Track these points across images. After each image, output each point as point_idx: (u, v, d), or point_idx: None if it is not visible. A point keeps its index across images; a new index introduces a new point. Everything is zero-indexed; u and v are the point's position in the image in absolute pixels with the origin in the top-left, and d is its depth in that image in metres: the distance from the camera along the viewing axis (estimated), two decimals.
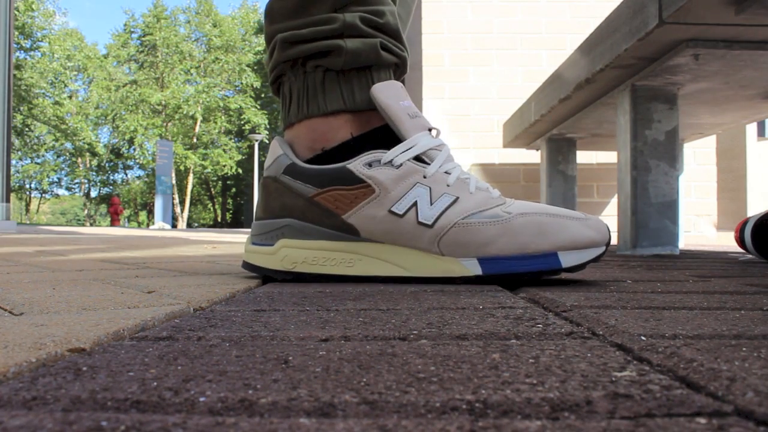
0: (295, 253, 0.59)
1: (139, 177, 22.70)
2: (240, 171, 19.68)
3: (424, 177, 0.56)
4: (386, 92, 0.59)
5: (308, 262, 0.58)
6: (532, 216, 0.55)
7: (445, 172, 0.57)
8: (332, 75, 0.61)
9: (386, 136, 0.60)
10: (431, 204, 0.56)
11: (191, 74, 19.91)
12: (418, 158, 0.57)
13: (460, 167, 0.58)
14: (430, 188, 0.56)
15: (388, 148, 0.57)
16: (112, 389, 0.20)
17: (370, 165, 0.56)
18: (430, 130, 0.59)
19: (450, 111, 2.49)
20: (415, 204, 0.56)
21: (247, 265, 0.63)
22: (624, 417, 0.17)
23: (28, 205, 23.07)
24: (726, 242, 2.27)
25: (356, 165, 0.56)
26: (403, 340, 0.29)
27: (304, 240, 0.59)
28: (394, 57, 0.64)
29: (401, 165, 0.56)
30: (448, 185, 0.56)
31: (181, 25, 20.82)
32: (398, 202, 0.56)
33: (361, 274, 0.58)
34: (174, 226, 14.30)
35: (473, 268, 0.55)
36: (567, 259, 0.54)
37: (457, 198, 0.56)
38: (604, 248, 0.56)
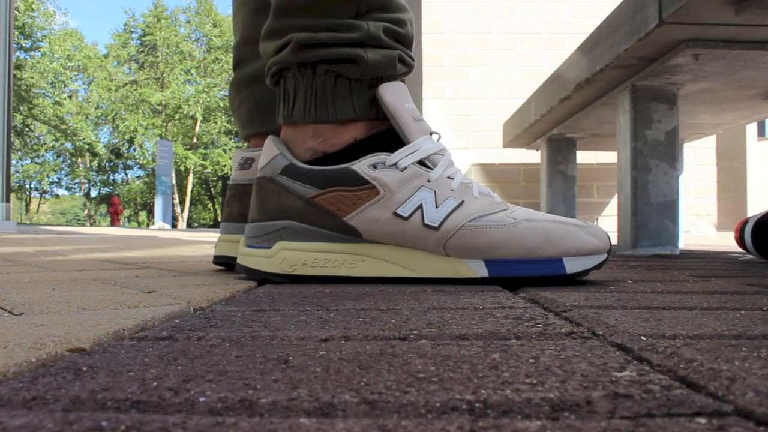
0: (294, 255, 0.58)
1: (139, 177, 22.70)
2: None
3: (429, 180, 0.56)
4: (393, 93, 0.58)
5: (308, 264, 0.57)
6: (538, 222, 0.56)
7: (448, 177, 0.57)
8: (344, 82, 0.60)
9: (387, 139, 0.60)
10: (437, 207, 0.56)
11: (191, 74, 19.91)
12: (421, 162, 0.57)
13: (461, 172, 0.59)
14: (434, 191, 0.56)
15: (390, 152, 0.57)
16: (112, 389, 0.20)
17: (374, 167, 0.56)
18: (431, 134, 0.59)
19: (450, 111, 2.49)
20: (420, 207, 0.56)
21: (243, 269, 0.61)
22: (624, 417, 0.17)
23: (28, 205, 23.07)
24: (726, 242, 2.27)
25: (361, 166, 0.56)
26: (403, 340, 0.29)
27: (304, 242, 0.58)
28: (406, 67, 0.63)
29: (406, 168, 0.56)
30: (452, 189, 0.57)
31: (182, 25, 20.82)
32: (403, 205, 0.56)
33: (364, 275, 0.57)
34: (174, 226, 14.29)
35: (479, 270, 0.56)
36: (571, 266, 0.55)
37: (463, 201, 0.56)
38: (606, 255, 0.57)
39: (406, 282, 0.57)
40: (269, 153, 0.61)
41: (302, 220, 0.58)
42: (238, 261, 0.62)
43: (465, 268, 0.56)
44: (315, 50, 0.59)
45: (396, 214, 0.56)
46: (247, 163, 0.72)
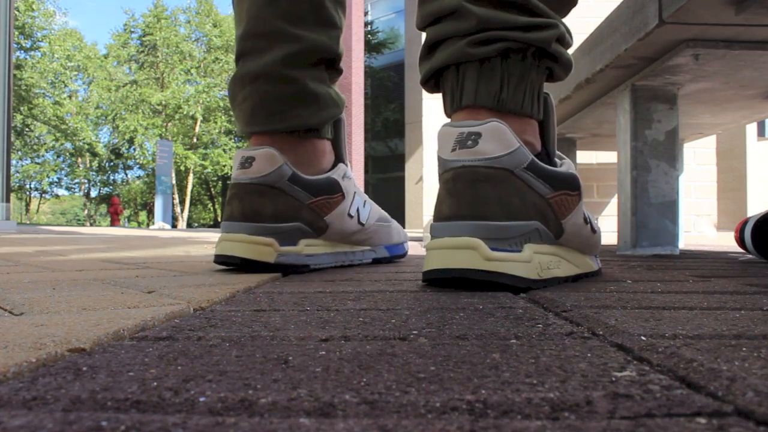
0: (541, 258, 0.53)
1: (139, 177, 22.69)
2: None
3: None
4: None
5: (548, 267, 0.54)
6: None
7: None
8: (543, 80, 0.57)
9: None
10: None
11: (191, 74, 19.90)
12: None
13: None
14: None
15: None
16: (112, 389, 0.20)
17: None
18: None
19: None
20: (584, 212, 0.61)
21: (496, 275, 0.49)
22: (624, 417, 0.17)
23: (28, 205, 23.06)
24: (726, 242, 2.27)
25: (574, 171, 0.57)
26: (403, 340, 0.29)
27: (543, 244, 0.54)
28: None
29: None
30: None
31: (182, 25, 20.81)
32: (584, 210, 0.61)
33: (561, 275, 0.56)
34: (174, 226, 14.29)
35: (595, 264, 0.66)
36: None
37: None
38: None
39: (406, 282, 0.57)
40: (511, 141, 0.52)
41: (542, 221, 0.53)
42: (484, 268, 0.50)
43: (593, 263, 0.64)
44: (558, 46, 0.56)
45: (584, 219, 0.60)
46: (248, 162, 0.70)
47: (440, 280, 0.54)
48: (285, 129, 0.73)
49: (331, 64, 0.76)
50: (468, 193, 0.51)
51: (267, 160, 0.69)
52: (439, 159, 0.55)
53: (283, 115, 0.72)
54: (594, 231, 0.63)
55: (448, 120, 0.58)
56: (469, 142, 0.52)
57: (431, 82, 0.61)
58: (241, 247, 0.69)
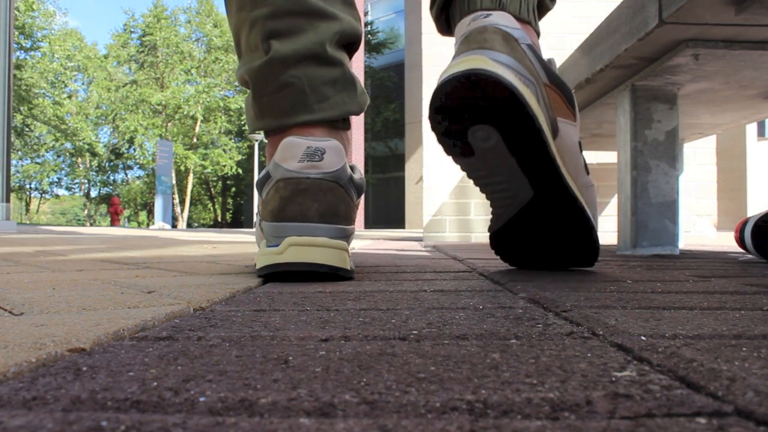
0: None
1: (139, 177, 22.69)
2: (240, 171, 19.70)
3: None
4: None
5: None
6: None
7: None
8: None
9: None
10: None
11: (191, 74, 19.90)
12: None
13: None
14: None
15: None
16: (112, 389, 0.20)
17: None
18: None
19: None
20: None
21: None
22: (624, 417, 0.17)
23: (28, 205, 23.06)
24: (726, 242, 2.26)
25: None
26: (403, 340, 0.29)
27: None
28: None
29: None
30: None
31: (182, 25, 20.81)
32: None
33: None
34: (174, 226, 14.28)
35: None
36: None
37: None
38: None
39: (406, 282, 0.57)
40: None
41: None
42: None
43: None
44: None
45: (579, 146, 0.78)
46: (318, 155, 0.60)
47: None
48: (335, 117, 0.66)
49: (353, 47, 0.71)
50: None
51: (337, 154, 0.61)
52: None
53: (331, 101, 0.66)
54: (587, 173, 0.72)
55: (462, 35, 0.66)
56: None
57: (443, 18, 0.72)
58: (325, 254, 0.58)
